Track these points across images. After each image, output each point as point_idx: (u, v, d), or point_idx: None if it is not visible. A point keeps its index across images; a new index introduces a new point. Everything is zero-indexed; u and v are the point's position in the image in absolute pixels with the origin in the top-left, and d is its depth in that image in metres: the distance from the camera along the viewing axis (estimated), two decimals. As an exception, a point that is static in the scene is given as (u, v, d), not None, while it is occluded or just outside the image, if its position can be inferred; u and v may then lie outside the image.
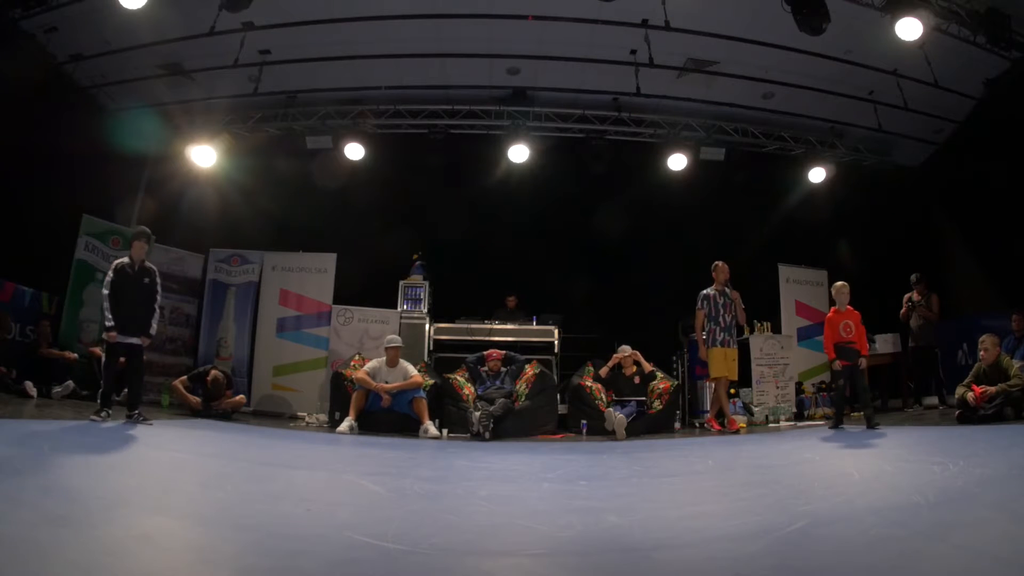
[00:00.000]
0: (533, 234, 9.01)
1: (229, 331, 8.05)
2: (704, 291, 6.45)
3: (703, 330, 6.39)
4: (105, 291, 4.86)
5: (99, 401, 4.73)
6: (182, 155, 8.22)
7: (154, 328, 5.09)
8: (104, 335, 4.97)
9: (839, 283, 5.81)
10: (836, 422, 5.60)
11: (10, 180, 6.27)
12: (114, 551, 1.44)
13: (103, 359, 5.08)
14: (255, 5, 5.94)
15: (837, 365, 5.56)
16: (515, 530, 1.87)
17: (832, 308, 5.77)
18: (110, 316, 4.82)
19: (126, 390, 6.44)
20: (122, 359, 6.56)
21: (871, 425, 5.16)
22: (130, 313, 4.92)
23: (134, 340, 4.94)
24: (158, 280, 5.12)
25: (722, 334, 6.30)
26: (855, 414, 7.62)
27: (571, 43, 7.20)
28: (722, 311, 6.33)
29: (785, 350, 7.91)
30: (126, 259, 5.07)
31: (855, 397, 5.84)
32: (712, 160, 8.56)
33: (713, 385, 6.49)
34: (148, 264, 5.12)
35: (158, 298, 5.11)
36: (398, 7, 6.65)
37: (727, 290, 6.42)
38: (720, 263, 6.47)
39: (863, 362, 5.54)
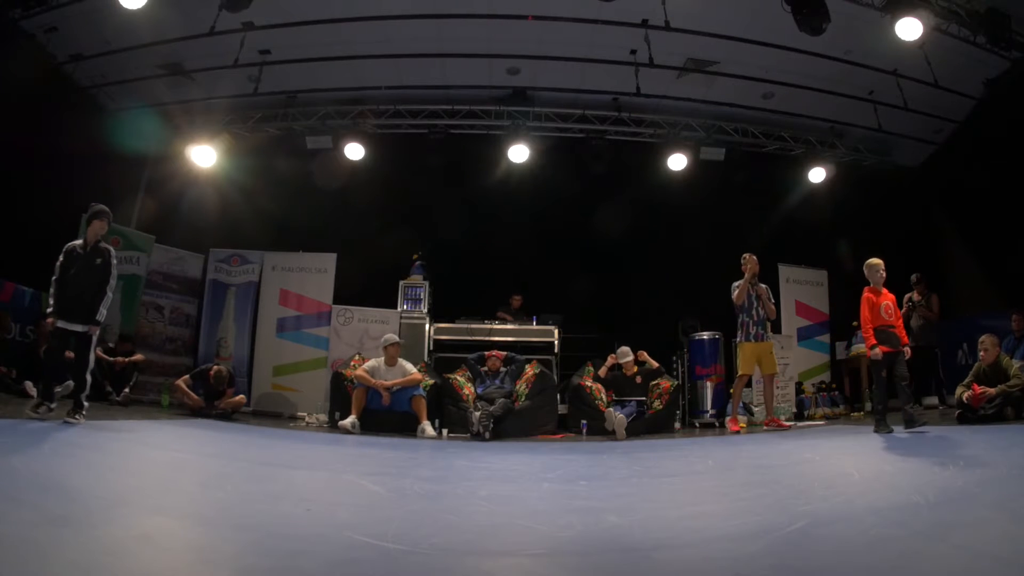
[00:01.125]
0: (533, 234, 9.01)
1: (229, 331, 8.05)
2: (736, 283, 6.22)
3: (740, 311, 6.15)
4: (53, 276, 4.44)
5: (39, 395, 4.32)
6: (182, 155, 8.23)
7: (102, 314, 4.48)
8: (46, 321, 4.47)
9: (872, 260, 4.98)
10: (883, 424, 4.58)
11: (10, 180, 6.27)
12: (114, 551, 1.43)
13: (43, 347, 4.60)
14: (255, 5, 5.94)
15: (878, 353, 4.69)
16: (515, 530, 1.87)
17: (867, 288, 4.91)
18: (52, 301, 4.39)
19: (126, 390, 6.52)
20: (119, 357, 6.64)
21: (911, 424, 4.45)
22: (76, 296, 4.37)
23: (78, 327, 4.36)
24: (113, 262, 4.57)
25: (755, 328, 6.12)
26: (855, 414, 7.63)
27: (571, 43, 7.20)
28: (755, 303, 6.13)
29: (785, 350, 7.92)
30: (79, 240, 4.61)
31: (871, 393, 5.55)
32: (712, 160, 8.57)
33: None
34: (103, 245, 4.61)
35: (111, 281, 4.55)
36: (398, 7, 6.65)
37: (756, 283, 6.19)
38: (749, 255, 6.23)
39: (908, 351, 4.82)
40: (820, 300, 8.79)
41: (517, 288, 8.46)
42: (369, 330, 7.87)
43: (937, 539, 1.61)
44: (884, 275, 4.91)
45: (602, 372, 6.63)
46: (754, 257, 6.23)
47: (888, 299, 4.87)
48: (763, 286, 6.24)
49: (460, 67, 7.72)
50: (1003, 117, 7.02)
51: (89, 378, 4.37)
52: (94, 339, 4.48)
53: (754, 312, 6.13)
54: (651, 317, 8.61)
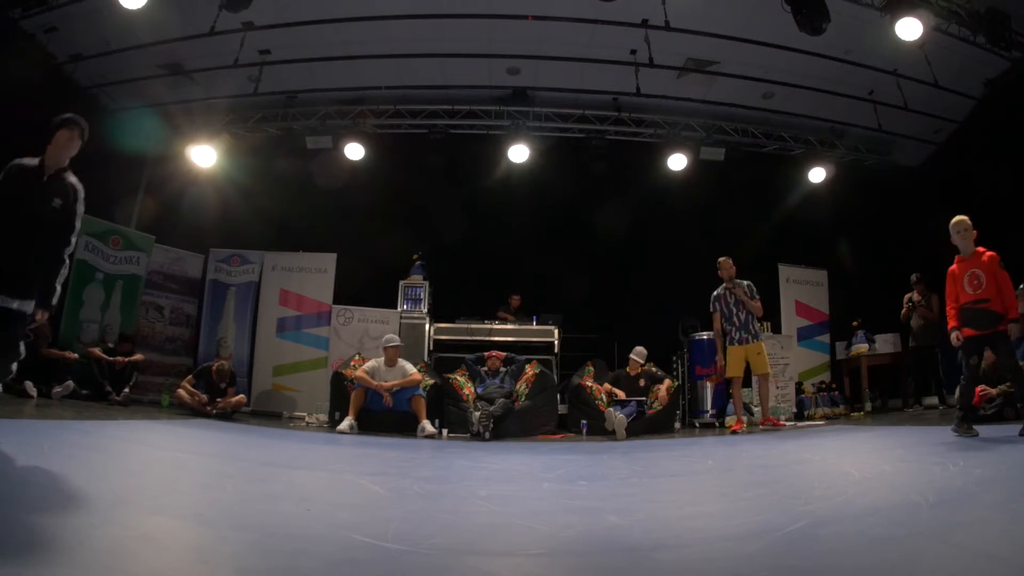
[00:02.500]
0: (533, 234, 9.02)
1: (229, 331, 8.06)
2: (715, 292, 6.26)
3: (722, 333, 6.19)
4: None
5: None
6: (182, 155, 8.23)
7: (58, 291, 3.05)
8: None
9: (957, 219, 4.01)
10: (966, 425, 3.72)
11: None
12: (114, 551, 1.43)
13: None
14: (255, 5, 5.94)
15: (956, 338, 3.84)
16: (515, 530, 1.87)
17: (957, 257, 4.03)
18: None
19: (126, 390, 6.51)
20: (119, 357, 6.61)
21: None
22: (13, 250, 2.85)
23: (12, 304, 2.94)
24: (79, 209, 3.00)
25: (738, 332, 6.09)
26: (855, 414, 7.63)
27: (571, 43, 7.20)
28: (734, 309, 6.12)
29: (785, 350, 7.92)
30: (35, 160, 2.99)
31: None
32: (712, 160, 8.57)
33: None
34: (70, 178, 3.03)
35: (72, 240, 3.03)
36: (398, 7, 6.66)
37: (732, 286, 6.19)
38: (722, 259, 6.26)
39: (1014, 329, 3.74)
40: (820, 300, 8.79)
41: (517, 288, 8.47)
42: (369, 330, 7.87)
43: (937, 539, 1.61)
44: (972, 232, 3.95)
45: (605, 386, 6.61)
46: (728, 260, 6.21)
47: (976, 265, 3.84)
48: (742, 284, 6.16)
49: (460, 67, 7.72)
50: (1003, 117, 7.02)
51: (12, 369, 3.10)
52: (29, 322, 3.12)
53: (735, 318, 6.11)
54: (651, 317, 8.62)
